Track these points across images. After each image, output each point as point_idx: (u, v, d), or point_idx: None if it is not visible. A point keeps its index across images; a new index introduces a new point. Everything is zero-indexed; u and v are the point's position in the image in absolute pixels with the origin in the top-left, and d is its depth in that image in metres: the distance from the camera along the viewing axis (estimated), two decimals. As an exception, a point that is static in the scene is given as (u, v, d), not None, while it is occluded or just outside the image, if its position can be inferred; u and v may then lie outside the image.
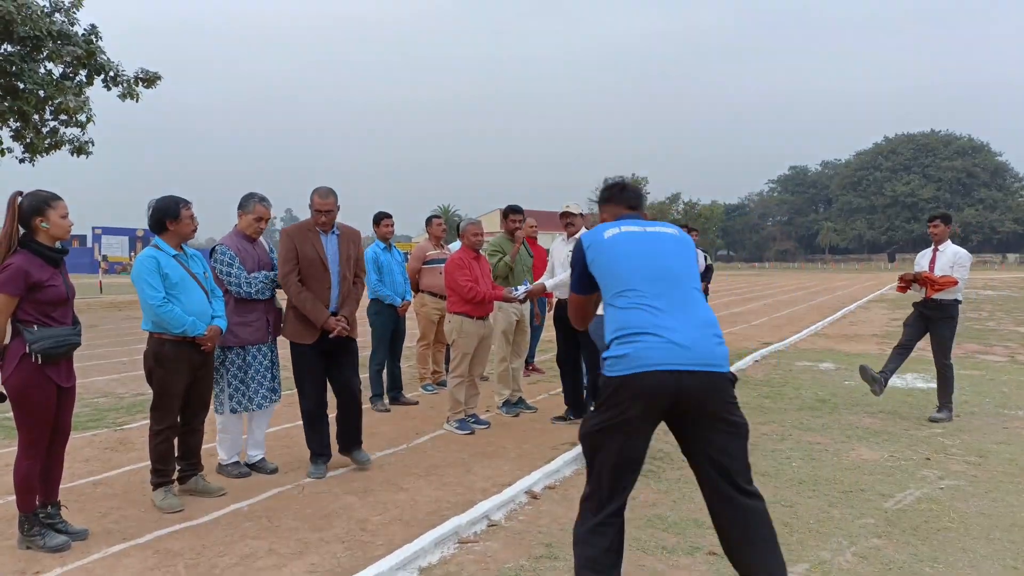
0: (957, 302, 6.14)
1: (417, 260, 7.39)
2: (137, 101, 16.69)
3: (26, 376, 3.37)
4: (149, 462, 4.83)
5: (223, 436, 4.68)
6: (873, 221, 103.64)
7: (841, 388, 7.62)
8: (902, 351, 6.38)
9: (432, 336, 7.52)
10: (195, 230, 4.21)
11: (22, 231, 3.46)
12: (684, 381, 2.47)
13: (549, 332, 9.85)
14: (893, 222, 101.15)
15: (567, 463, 4.79)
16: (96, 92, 16.93)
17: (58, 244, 3.58)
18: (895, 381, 7.37)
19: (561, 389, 7.31)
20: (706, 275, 8.90)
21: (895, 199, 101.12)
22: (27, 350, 3.36)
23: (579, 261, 2.84)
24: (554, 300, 6.74)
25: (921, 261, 6.44)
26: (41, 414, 3.44)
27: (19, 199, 3.45)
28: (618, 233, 2.75)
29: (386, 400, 6.75)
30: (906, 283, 6.29)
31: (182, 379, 4.08)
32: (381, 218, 7.10)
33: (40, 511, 3.60)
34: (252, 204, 4.63)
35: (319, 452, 4.72)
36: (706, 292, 8.99)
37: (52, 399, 3.47)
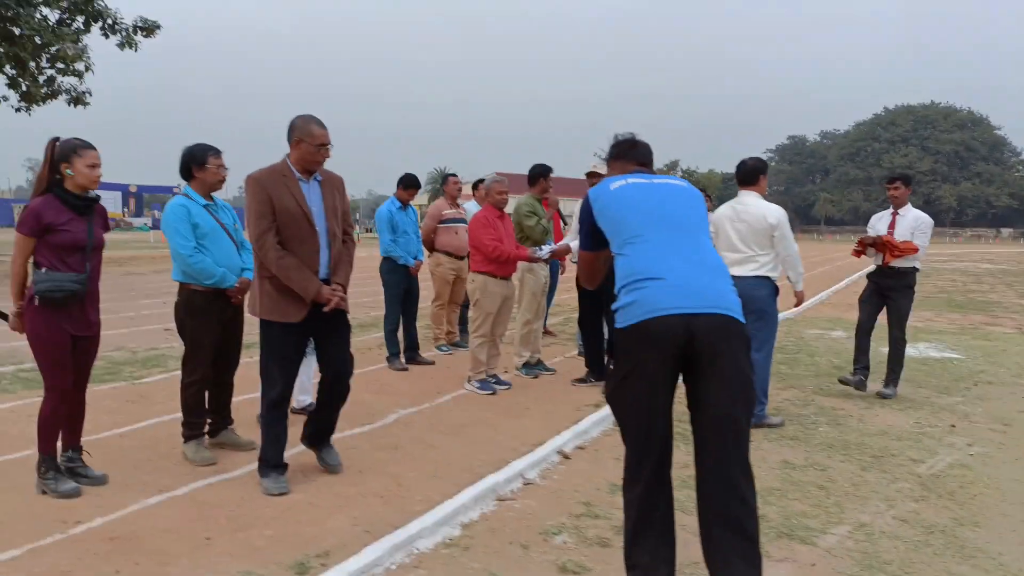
0: (915, 270, 5.76)
1: (433, 219, 7.30)
2: (136, 51, 16.33)
3: (32, 317, 3.40)
4: (174, 416, 4.85)
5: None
6: (870, 193, 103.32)
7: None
8: (865, 336, 5.90)
9: (447, 296, 7.46)
10: (223, 180, 4.11)
11: (57, 177, 3.40)
12: (694, 324, 2.37)
13: (560, 296, 9.86)
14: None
15: (595, 424, 4.78)
16: (94, 41, 16.52)
17: (91, 193, 3.51)
18: (909, 351, 7.37)
19: (578, 352, 7.32)
20: None
21: (892, 171, 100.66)
22: (33, 292, 3.37)
23: (587, 215, 2.75)
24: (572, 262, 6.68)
25: (878, 225, 5.91)
26: (52, 356, 3.42)
27: (55, 144, 3.38)
28: (625, 185, 2.67)
29: (403, 359, 6.72)
30: (863, 247, 5.80)
31: (213, 331, 4.02)
32: (401, 182, 6.98)
33: (62, 456, 3.62)
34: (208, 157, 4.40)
35: (277, 462, 3.69)
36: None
37: (62, 344, 3.43)
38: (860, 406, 5.49)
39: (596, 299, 5.90)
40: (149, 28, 16.31)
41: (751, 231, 4.84)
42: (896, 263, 5.68)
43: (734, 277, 4.95)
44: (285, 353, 3.66)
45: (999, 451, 4.42)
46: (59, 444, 3.61)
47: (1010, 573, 2.96)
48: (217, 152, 4.08)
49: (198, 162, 4.00)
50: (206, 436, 4.18)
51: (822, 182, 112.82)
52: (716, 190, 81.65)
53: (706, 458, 2.51)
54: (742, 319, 2.47)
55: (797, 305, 5.56)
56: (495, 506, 3.54)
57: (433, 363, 6.83)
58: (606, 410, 5.02)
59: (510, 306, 5.91)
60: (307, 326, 3.64)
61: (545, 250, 5.73)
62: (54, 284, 3.34)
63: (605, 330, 5.98)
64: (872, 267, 5.99)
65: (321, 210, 3.67)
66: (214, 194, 4.13)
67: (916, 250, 5.61)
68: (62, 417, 3.56)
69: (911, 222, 5.71)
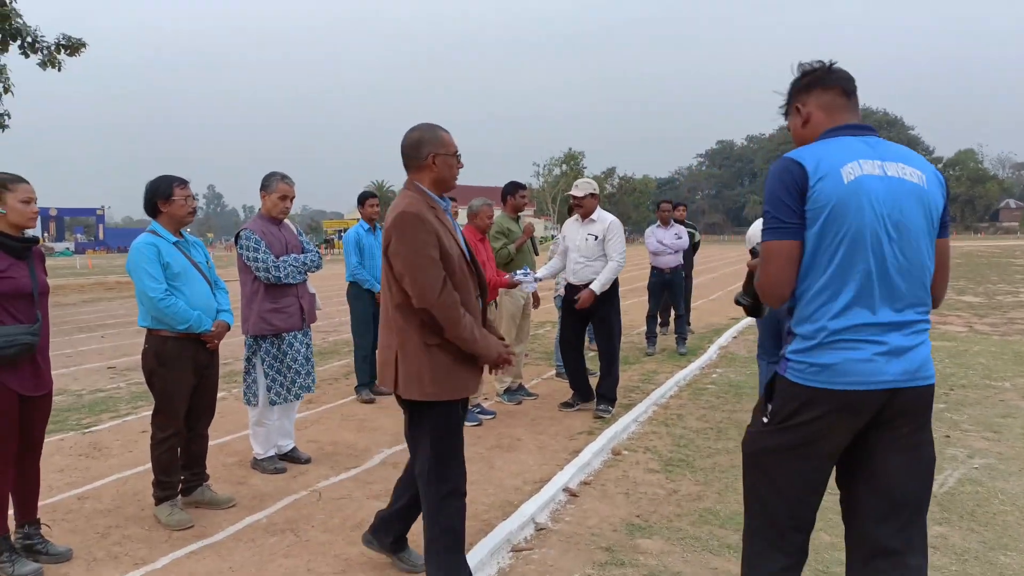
0: None
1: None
2: (59, 70, 15.38)
3: None
4: (136, 469, 4.47)
5: (257, 429, 4.43)
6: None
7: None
8: None
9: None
10: (193, 212, 3.76)
11: None
12: (897, 399, 1.95)
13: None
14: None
15: (595, 455, 4.57)
16: (13, 61, 15.52)
17: (25, 233, 3.13)
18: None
19: (556, 373, 7.12)
20: (693, 250, 8.81)
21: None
22: None
23: (790, 187, 1.94)
24: (557, 284, 6.56)
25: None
26: None
27: None
28: (860, 176, 1.91)
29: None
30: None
31: (187, 380, 3.65)
32: (366, 198, 6.68)
33: (17, 533, 3.22)
34: (275, 183, 4.27)
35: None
36: (691, 266, 8.92)
37: (10, 407, 3.02)
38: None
39: (582, 316, 5.71)
40: (73, 46, 15.39)
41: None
42: None
43: None
44: (460, 435, 2.84)
45: (1001, 463, 4.40)
46: (11, 520, 3.20)
47: (1056, 600, 2.87)
48: (184, 182, 3.72)
49: (163, 195, 3.63)
50: (179, 496, 3.79)
51: (751, 185, 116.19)
52: (652, 195, 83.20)
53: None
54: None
55: None
56: (511, 558, 3.29)
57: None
58: (603, 439, 4.83)
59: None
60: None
61: (528, 276, 5.50)
62: (3, 339, 2.94)
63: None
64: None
65: (466, 245, 2.90)
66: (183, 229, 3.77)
67: None
68: (8, 493, 3.15)
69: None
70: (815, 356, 1.94)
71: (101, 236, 72.23)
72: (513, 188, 6.40)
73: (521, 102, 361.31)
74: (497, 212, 6.13)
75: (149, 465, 4.49)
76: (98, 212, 74.22)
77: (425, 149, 2.78)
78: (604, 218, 5.69)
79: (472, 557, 3.17)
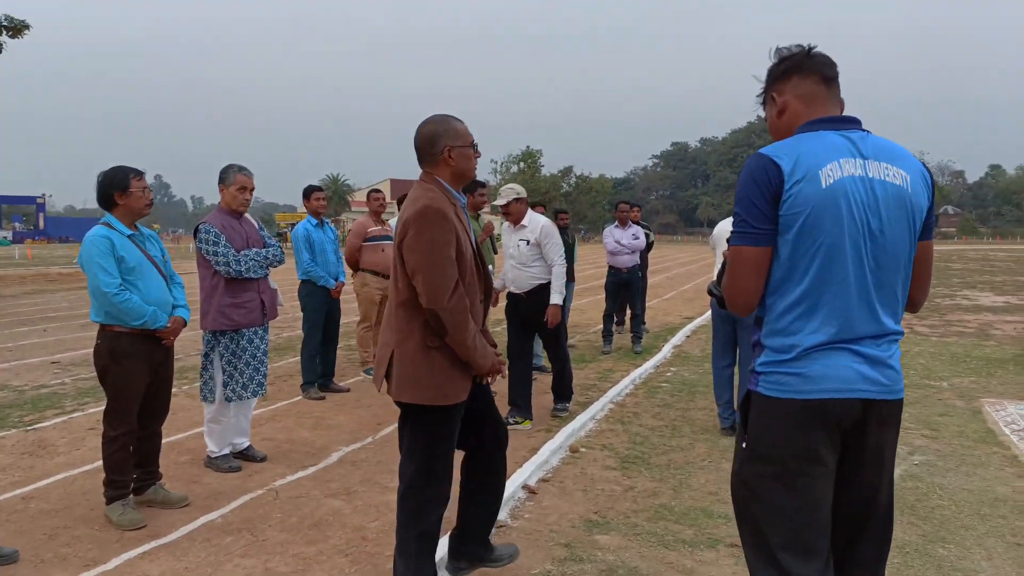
0: None
1: (357, 237, 6.95)
2: (0, 52, 14.84)
3: None
4: (84, 468, 4.37)
5: (212, 426, 4.34)
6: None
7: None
8: None
9: (374, 317, 7.10)
10: (150, 205, 3.69)
11: None
12: (871, 411, 1.85)
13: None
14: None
15: (553, 452, 4.62)
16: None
17: None
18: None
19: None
20: (648, 249, 8.93)
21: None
22: None
23: (764, 190, 1.80)
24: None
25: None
26: None
27: None
28: (840, 179, 1.78)
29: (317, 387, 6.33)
30: None
31: (142, 377, 3.58)
32: (311, 191, 6.60)
33: None
34: (232, 175, 4.23)
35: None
36: (646, 265, 9.04)
37: None
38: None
39: (528, 325, 5.62)
40: (16, 28, 14.86)
41: None
42: None
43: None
44: (452, 441, 2.77)
45: (940, 460, 4.60)
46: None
47: (990, 590, 3.02)
48: (140, 173, 3.65)
49: (119, 187, 3.55)
50: (131, 495, 3.71)
51: (703, 186, 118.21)
52: (608, 195, 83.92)
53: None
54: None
55: None
56: (472, 555, 3.31)
57: (348, 390, 6.47)
58: (560, 437, 4.89)
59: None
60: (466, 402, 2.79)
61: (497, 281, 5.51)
62: None
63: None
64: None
65: (477, 246, 2.81)
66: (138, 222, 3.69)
67: None
68: None
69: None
70: (787, 367, 1.82)
71: (41, 225, 69.68)
72: (472, 186, 6.39)
73: (478, 98, 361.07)
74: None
75: (98, 463, 4.39)
76: (39, 200, 71.54)
77: (440, 143, 2.70)
78: (535, 222, 5.48)
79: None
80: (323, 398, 6.19)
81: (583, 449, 4.80)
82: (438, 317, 2.55)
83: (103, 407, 5.72)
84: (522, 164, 61.97)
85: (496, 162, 64.66)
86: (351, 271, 6.93)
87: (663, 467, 4.46)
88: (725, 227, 5.22)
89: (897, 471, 4.36)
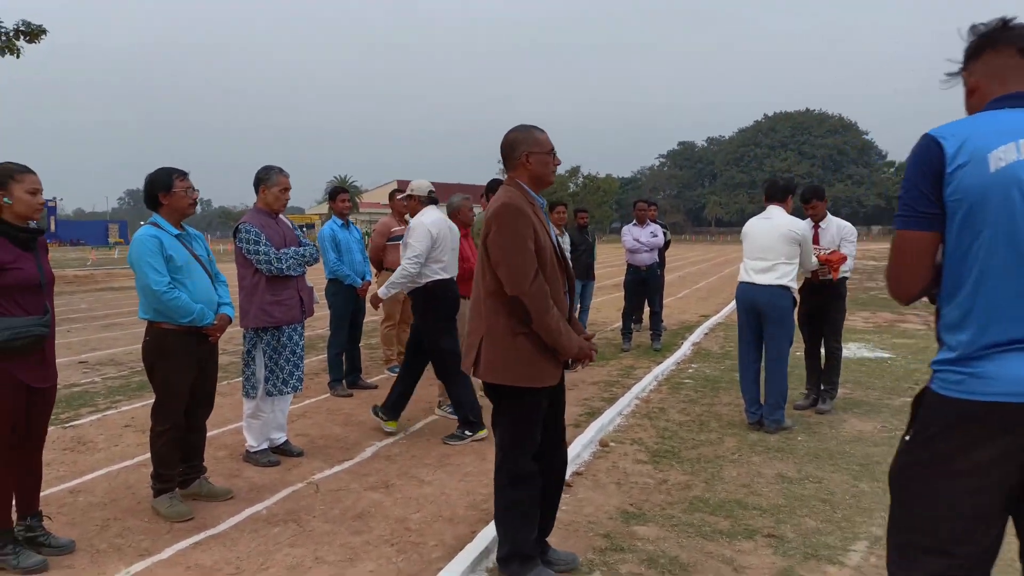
0: (845, 279, 5.64)
1: (381, 237, 7.03)
2: (18, 57, 14.96)
3: None
4: (125, 464, 4.47)
5: (252, 422, 4.43)
6: (754, 195, 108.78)
7: (796, 359, 7.88)
8: (815, 359, 5.87)
9: (398, 316, 7.20)
10: (194, 204, 3.77)
11: None
12: None
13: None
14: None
15: (585, 446, 4.69)
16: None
17: (31, 224, 3.13)
18: (844, 353, 7.68)
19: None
20: (665, 247, 8.98)
21: (773, 174, 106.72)
22: None
23: (926, 170, 1.69)
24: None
25: None
26: (4, 419, 2.98)
27: None
28: (1012, 163, 1.61)
29: (345, 384, 6.41)
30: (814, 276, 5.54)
31: (188, 373, 3.66)
32: (337, 193, 6.70)
33: (19, 525, 3.21)
34: (274, 176, 4.32)
35: (532, 552, 3.02)
36: (663, 263, 9.09)
37: (17, 400, 3.03)
38: (827, 413, 5.65)
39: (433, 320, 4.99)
40: (33, 33, 14.98)
41: (777, 242, 5.03)
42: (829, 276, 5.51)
43: (759, 285, 5.05)
44: (537, 423, 2.95)
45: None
46: (13, 512, 3.19)
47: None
48: (183, 174, 3.73)
49: (164, 187, 3.64)
50: (177, 488, 3.79)
51: (711, 186, 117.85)
52: (615, 195, 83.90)
53: None
54: None
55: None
56: (514, 545, 3.38)
57: (376, 387, 6.56)
58: (591, 431, 4.95)
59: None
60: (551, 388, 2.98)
61: None
62: (15, 332, 2.93)
63: None
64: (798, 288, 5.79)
65: (558, 242, 3.01)
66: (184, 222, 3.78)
67: (846, 259, 5.53)
68: (12, 485, 3.15)
69: (835, 232, 5.64)
70: (964, 366, 1.67)
71: (53, 228, 70.09)
72: (495, 185, 6.48)
73: (486, 105, 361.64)
74: (478, 210, 6.21)
75: (139, 458, 4.53)
76: (49, 204, 71.90)
77: (520, 149, 2.95)
78: (415, 220, 5.13)
79: (477, 545, 3.26)
80: (351, 395, 6.27)
81: (613, 444, 4.86)
82: (522, 303, 2.77)
83: (135, 404, 5.87)
84: (530, 164, 61.81)
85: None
86: (375, 270, 7.01)
87: (694, 461, 4.51)
88: (754, 224, 5.26)
89: None
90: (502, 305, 2.83)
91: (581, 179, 63.93)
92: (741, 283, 5.27)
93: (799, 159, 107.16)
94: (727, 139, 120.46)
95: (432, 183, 5.71)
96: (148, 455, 4.57)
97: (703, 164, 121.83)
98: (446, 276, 5.01)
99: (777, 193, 5.25)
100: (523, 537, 2.96)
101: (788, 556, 3.25)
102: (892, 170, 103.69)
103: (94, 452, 4.73)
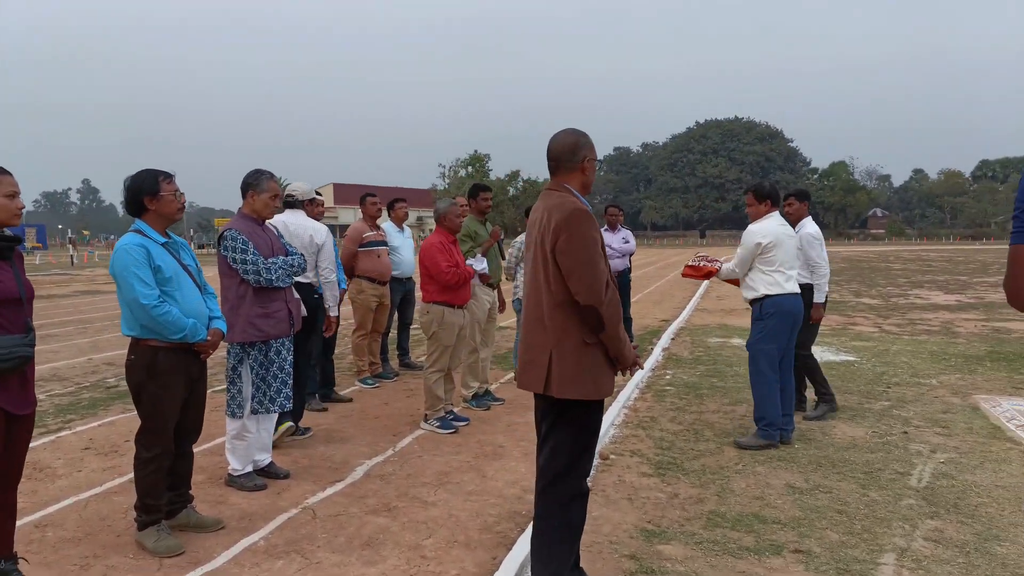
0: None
1: (353, 243, 6.75)
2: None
3: None
4: (93, 492, 4.14)
5: (236, 443, 4.11)
6: (687, 200, 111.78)
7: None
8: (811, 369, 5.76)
9: (370, 325, 6.92)
10: (182, 209, 3.46)
11: None
12: None
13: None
14: (704, 201, 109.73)
15: (587, 460, 4.53)
16: None
17: (7, 231, 2.80)
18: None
19: (513, 376, 7.02)
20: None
21: (705, 180, 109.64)
22: None
23: None
24: (516, 287, 6.52)
25: None
26: None
27: None
28: None
29: (318, 397, 6.11)
30: None
31: (179, 394, 3.35)
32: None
33: None
34: (264, 181, 4.02)
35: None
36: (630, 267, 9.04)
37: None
38: (813, 420, 5.66)
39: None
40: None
41: (797, 249, 5.10)
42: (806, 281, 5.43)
43: (797, 294, 4.96)
44: (598, 435, 2.90)
45: (963, 457, 4.69)
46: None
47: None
48: (169, 176, 3.42)
49: (150, 191, 3.32)
50: (164, 519, 3.46)
51: (646, 190, 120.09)
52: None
53: None
54: None
55: (814, 320, 5.57)
56: (540, 571, 3.20)
57: (351, 400, 6.28)
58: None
59: (464, 336, 5.53)
60: None
61: (475, 263, 5.50)
62: (1, 351, 2.61)
63: None
64: None
65: None
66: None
67: (713, 273, 5.38)
68: None
69: (803, 239, 5.43)
70: None
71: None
72: (476, 190, 6.30)
73: (419, 101, 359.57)
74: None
75: (107, 485, 4.19)
76: None
77: (580, 153, 2.81)
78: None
79: (505, 571, 3.07)
80: (325, 409, 5.97)
81: (613, 456, 4.73)
82: (597, 313, 2.63)
83: (91, 424, 5.44)
84: (470, 168, 61.75)
85: (444, 166, 64.30)
86: (347, 277, 6.71)
87: (699, 472, 4.42)
88: (778, 232, 4.96)
89: (927, 469, 4.44)
90: (573, 316, 2.68)
91: (521, 183, 63.99)
92: (789, 295, 4.93)
93: (729, 165, 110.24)
94: (661, 145, 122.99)
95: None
96: (117, 481, 4.27)
97: (638, 169, 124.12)
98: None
99: (777, 198, 5.21)
100: (568, 562, 2.81)
101: (821, 572, 3.17)
102: (816, 176, 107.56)
103: (55, 479, 4.33)
